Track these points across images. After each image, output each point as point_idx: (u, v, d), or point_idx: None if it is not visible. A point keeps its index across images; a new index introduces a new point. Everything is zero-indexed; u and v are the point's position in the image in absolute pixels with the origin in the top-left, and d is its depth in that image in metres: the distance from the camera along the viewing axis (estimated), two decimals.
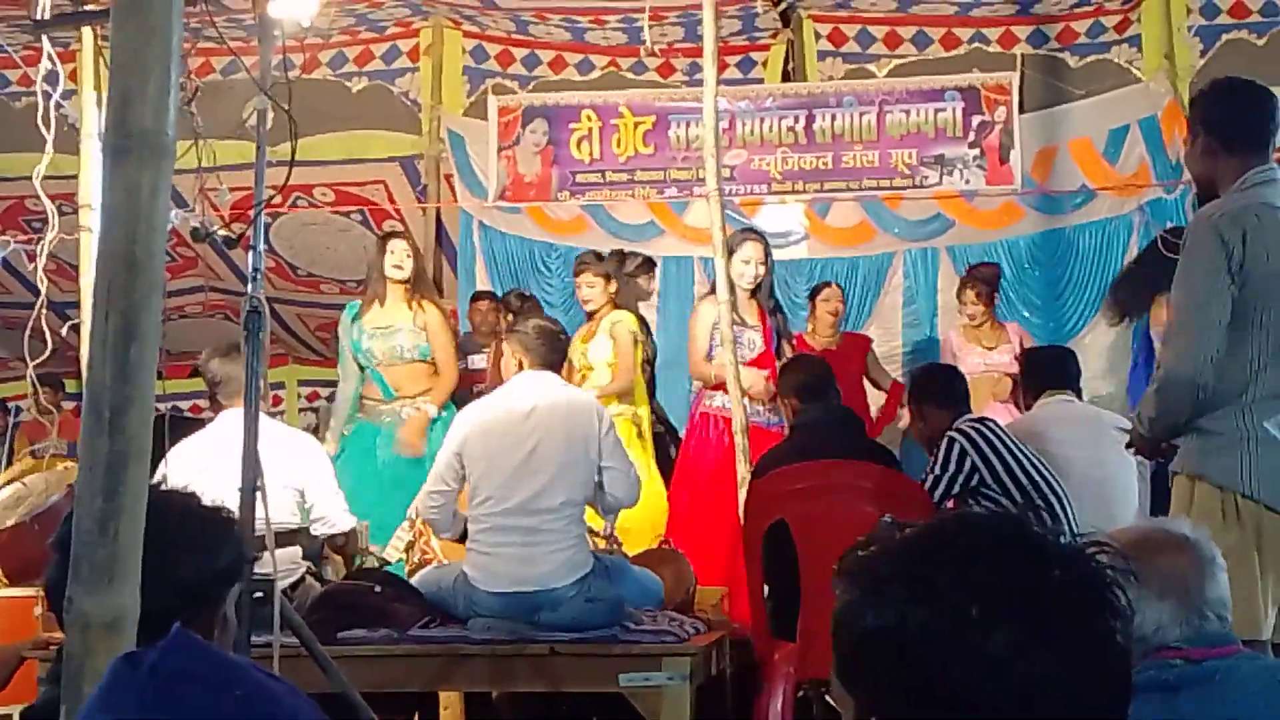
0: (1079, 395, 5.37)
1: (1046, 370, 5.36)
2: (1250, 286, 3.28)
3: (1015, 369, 6.34)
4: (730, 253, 5.97)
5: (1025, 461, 4.64)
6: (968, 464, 4.65)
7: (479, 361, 6.74)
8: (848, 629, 1.13)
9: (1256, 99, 3.50)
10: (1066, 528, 3.85)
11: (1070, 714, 1.08)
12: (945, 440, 4.71)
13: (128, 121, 1.80)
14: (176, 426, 4.78)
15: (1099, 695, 1.09)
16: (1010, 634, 1.06)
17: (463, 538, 4.77)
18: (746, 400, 5.85)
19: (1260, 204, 3.34)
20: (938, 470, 4.68)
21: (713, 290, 6.02)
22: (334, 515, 4.82)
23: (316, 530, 4.76)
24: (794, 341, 6.31)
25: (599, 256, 6.57)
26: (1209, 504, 3.30)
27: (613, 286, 6.41)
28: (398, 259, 6.10)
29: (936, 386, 5.07)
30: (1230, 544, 3.19)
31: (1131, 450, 3.66)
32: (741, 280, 5.99)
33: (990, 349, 6.66)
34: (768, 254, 6.13)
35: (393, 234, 6.46)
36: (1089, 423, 5.09)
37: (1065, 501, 4.61)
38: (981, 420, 4.90)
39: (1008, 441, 4.69)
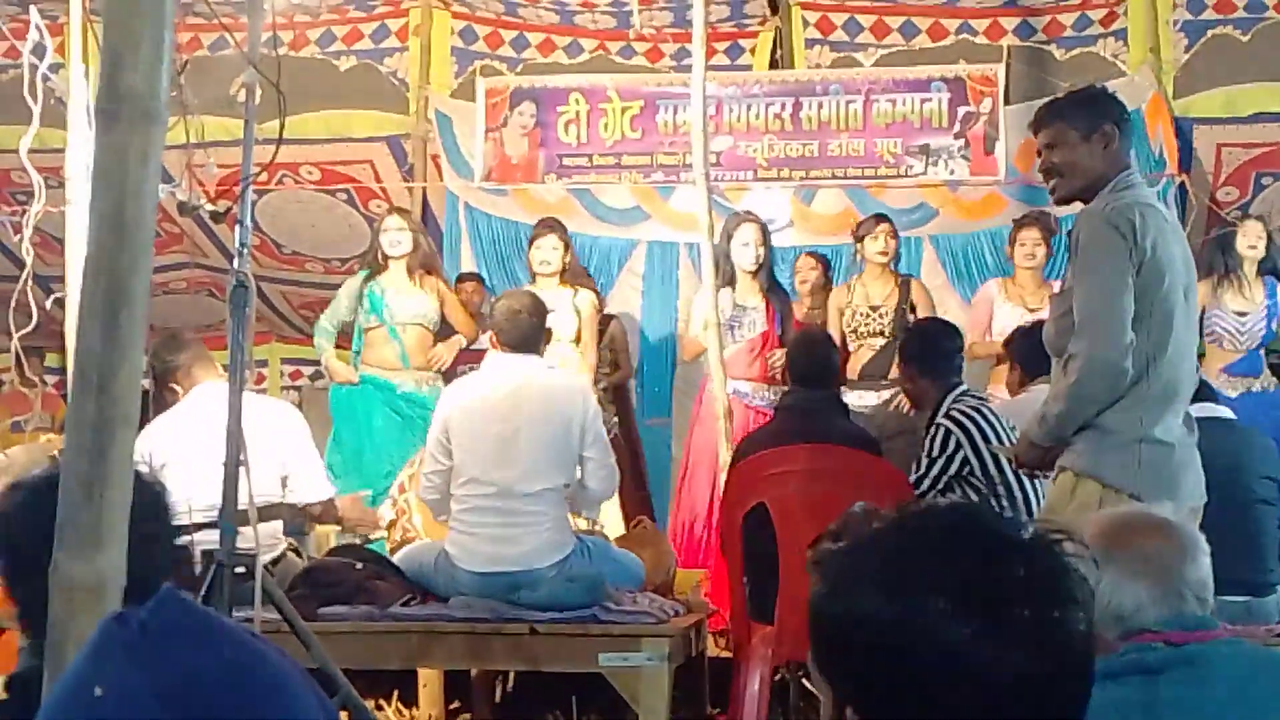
0: None
1: (1039, 355, 5.30)
2: (1139, 282, 3.35)
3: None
4: (729, 237, 6.10)
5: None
6: (960, 456, 4.71)
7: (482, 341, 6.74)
8: (823, 620, 1.17)
9: (1120, 103, 3.62)
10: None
11: (1031, 703, 1.11)
12: (941, 429, 4.75)
13: (118, 84, 1.78)
14: (160, 400, 4.79)
15: (1060, 684, 1.13)
16: (974, 625, 1.09)
17: None
18: (750, 384, 5.93)
19: (1143, 203, 3.42)
20: (934, 453, 4.74)
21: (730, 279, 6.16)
22: (311, 484, 4.79)
23: (292, 498, 4.74)
24: (793, 320, 6.35)
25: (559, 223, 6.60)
26: (1089, 500, 3.33)
27: (569, 257, 6.43)
28: (392, 236, 6.26)
29: (926, 345, 5.09)
30: None
31: (1014, 464, 3.69)
32: (743, 263, 6.16)
33: (1033, 310, 6.10)
34: (766, 235, 6.24)
35: (389, 211, 6.61)
36: None
37: (1039, 496, 4.63)
38: (976, 407, 4.87)
39: (1000, 432, 4.70)
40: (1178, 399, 3.45)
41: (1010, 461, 3.67)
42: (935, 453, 4.75)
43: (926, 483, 4.74)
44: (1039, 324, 5.43)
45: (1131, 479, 3.34)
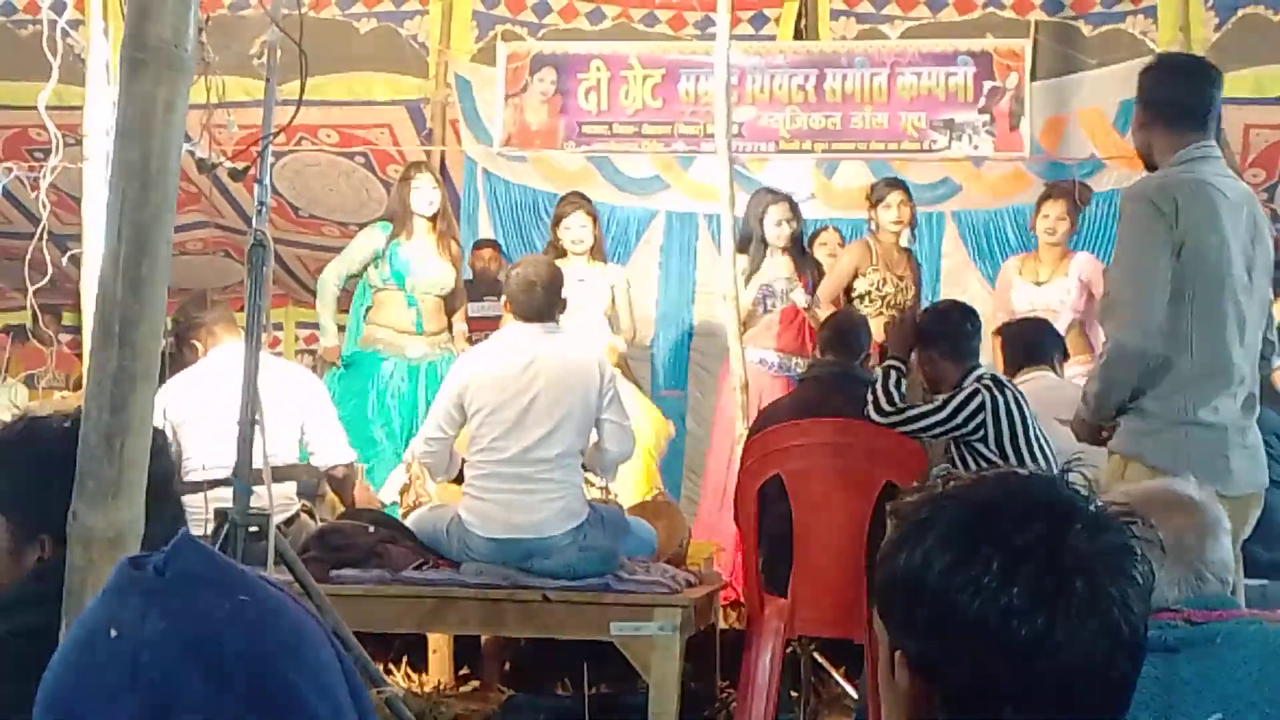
0: (1057, 366, 5.28)
1: (1021, 347, 5.28)
2: (1181, 261, 3.31)
3: (1071, 309, 5.95)
4: (760, 220, 6.19)
5: (1030, 436, 4.56)
6: (977, 420, 4.58)
7: (496, 308, 6.67)
8: (885, 565, 1.23)
9: (1196, 75, 3.56)
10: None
11: (1076, 670, 1.14)
12: (970, 389, 4.60)
13: (145, 34, 1.77)
14: (176, 360, 4.80)
15: (1109, 660, 1.16)
16: (1028, 587, 1.13)
17: (459, 479, 4.77)
18: (778, 354, 5.99)
19: (1193, 179, 3.37)
20: (949, 409, 4.56)
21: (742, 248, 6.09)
22: (332, 447, 4.81)
23: (315, 461, 4.75)
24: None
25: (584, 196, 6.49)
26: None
27: (597, 231, 6.37)
28: (427, 195, 6.12)
29: (949, 326, 4.94)
30: None
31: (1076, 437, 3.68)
32: (779, 241, 6.17)
33: (1040, 284, 6.05)
34: (796, 210, 6.25)
35: (415, 165, 6.43)
36: (1066, 406, 4.97)
37: None
38: (1003, 383, 4.75)
39: (1026, 414, 4.60)
40: (1232, 381, 3.40)
41: (1076, 434, 3.65)
42: (956, 408, 4.57)
43: (923, 424, 4.59)
44: (1012, 322, 5.52)
45: (1176, 461, 3.28)
